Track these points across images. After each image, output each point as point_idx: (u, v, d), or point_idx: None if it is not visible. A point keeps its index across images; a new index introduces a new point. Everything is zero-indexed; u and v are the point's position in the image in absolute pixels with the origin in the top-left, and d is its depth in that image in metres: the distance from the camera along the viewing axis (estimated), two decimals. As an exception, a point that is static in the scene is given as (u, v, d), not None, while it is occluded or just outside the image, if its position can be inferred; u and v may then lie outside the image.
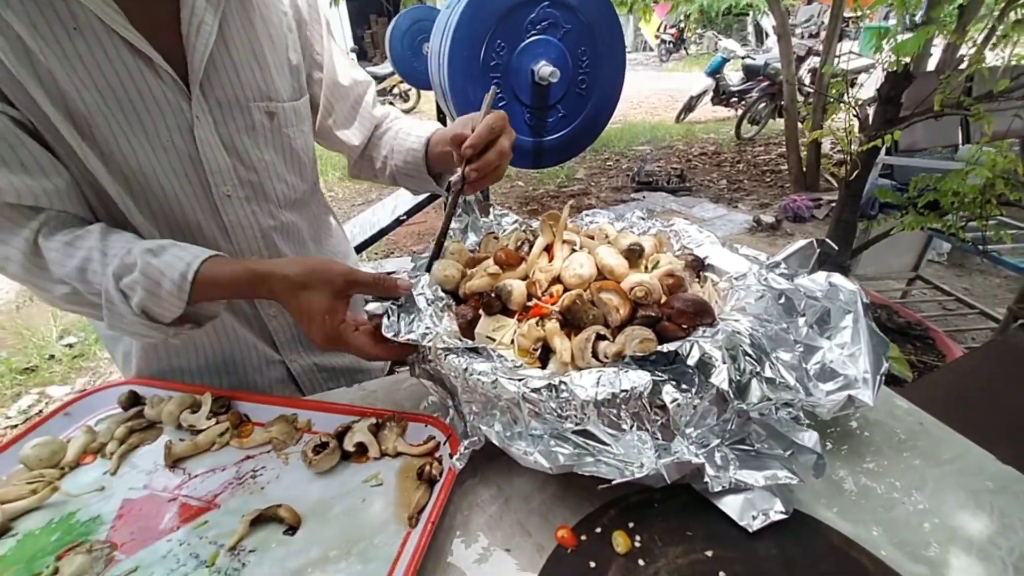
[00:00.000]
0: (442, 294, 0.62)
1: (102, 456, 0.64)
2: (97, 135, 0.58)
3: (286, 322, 0.79)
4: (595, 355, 0.49)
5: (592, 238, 0.71)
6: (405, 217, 2.03)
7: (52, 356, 2.73)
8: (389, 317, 0.57)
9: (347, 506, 0.55)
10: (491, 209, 0.83)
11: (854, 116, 1.67)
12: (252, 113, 0.67)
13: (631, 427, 0.45)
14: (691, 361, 0.45)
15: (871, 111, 1.77)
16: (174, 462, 0.62)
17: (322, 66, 0.78)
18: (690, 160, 5.83)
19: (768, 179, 5.14)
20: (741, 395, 0.45)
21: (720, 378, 0.44)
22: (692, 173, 5.36)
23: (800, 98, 5.15)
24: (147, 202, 0.64)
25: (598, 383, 0.45)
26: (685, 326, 0.52)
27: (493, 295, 0.57)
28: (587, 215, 0.84)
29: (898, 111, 1.60)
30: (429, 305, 0.59)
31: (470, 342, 0.54)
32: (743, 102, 6.68)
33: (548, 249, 0.63)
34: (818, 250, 0.68)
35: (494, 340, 0.55)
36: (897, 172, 2.75)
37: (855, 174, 1.61)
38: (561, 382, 0.46)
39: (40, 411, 2.41)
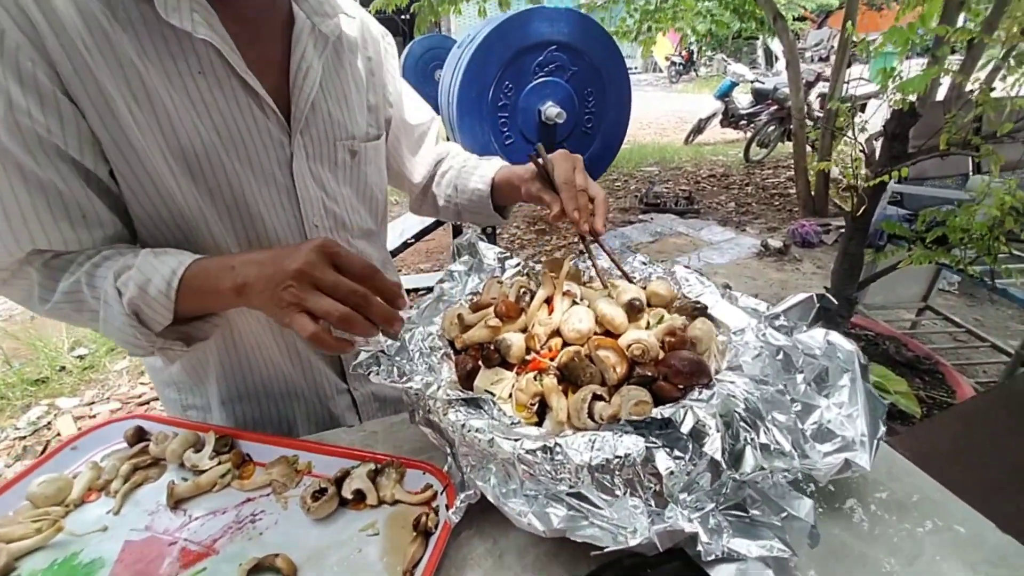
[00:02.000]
0: (439, 343, 0.64)
1: (106, 494, 0.65)
2: (206, 171, 0.61)
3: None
4: (591, 416, 0.50)
5: (592, 286, 0.72)
6: (413, 240, 2.06)
7: (63, 368, 2.78)
8: (380, 364, 0.58)
9: (343, 556, 0.55)
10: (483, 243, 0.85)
11: (860, 151, 1.67)
12: (337, 151, 0.73)
13: (624, 493, 0.45)
14: (685, 429, 0.46)
15: (878, 145, 1.77)
16: (176, 503, 0.63)
17: (393, 104, 0.84)
18: (699, 182, 5.86)
19: (777, 203, 5.14)
20: (735, 464, 0.46)
21: (713, 447, 0.45)
22: (700, 195, 5.37)
23: (809, 123, 5.17)
24: (246, 234, 0.67)
25: (593, 447, 0.46)
26: (681, 386, 0.53)
27: (492, 348, 0.58)
28: (588, 258, 0.85)
29: (905, 147, 1.60)
30: (426, 357, 0.60)
31: (470, 393, 0.55)
32: (752, 125, 6.72)
33: (548, 301, 0.64)
34: (818, 304, 0.69)
35: (493, 395, 0.56)
36: (907, 200, 2.75)
37: (862, 209, 1.61)
38: (556, 444, 0.47)
39: (49, 423, 2.44)
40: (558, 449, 0.47)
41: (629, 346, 0.55)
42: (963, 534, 0.53)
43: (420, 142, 0.91)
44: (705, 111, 7.07)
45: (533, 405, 0.55)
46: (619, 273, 0.73)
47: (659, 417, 0.46)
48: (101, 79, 0.53)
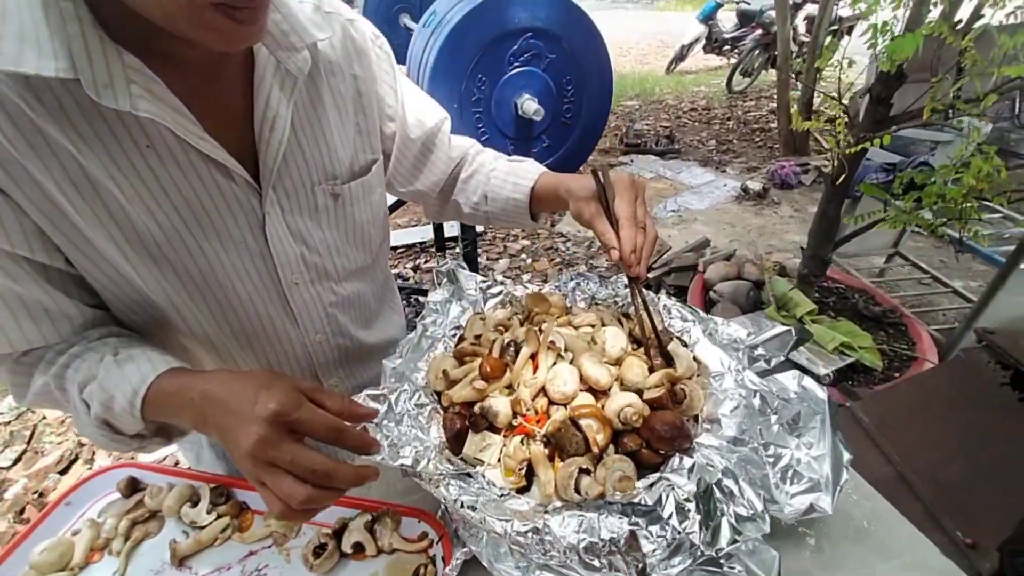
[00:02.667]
0: (425, 400, 0.64)
1: (109, 553, 0.67)
2: (168, 255, 0.56)
3: (327, 358, 0.78)
4: (577, 490, 0.52)
5: (575, 324, 0.72)
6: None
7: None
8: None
9: (348, 610, 0.59)
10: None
11: (843, 113, 1.64)
12: (317, 196, 0.66)
13: (610, 570, 0.49)
14: (666, 513, 0.48)
15: (862, 104, 1.73)
16: (180, 560, 0.65)
17: (394, 118, 0.75)
18: (679, 117, 5.70)
19: (758, 138, 5.07)
20: (712, 540, 0.49)
21: (693, 528, 0.48)
22: (681, 132, 5.25)
23: (794, 48, 4.98)
24: (219, 306, 0.62)
25: (580, 529, 0.49)
26: (663, 451, 0.55)
27: (479, 413, 0.58)
28: (572, 279, 0.85)
29: (888, 110, 1.57)
30: (413, 419, 0.61)
31: (460, 465, 0.57)
32: (736, 50, 6.45)
33: (533, 357, 0.64)
34: (796, 337, 0.70)
35: (482, 462, 0.57)
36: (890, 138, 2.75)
37: (843, 178, 1.60)
38: (546, 526, 0.49)
39: (32, 409, 2.43)
40: (547, 530, 0.49)
41: (620, 411, 0.56)
42: (910, 560, 0.59)
43: (428, 152, 0.81)
44: (688, 36, 6.73)
45: (521, 469, 0.57)
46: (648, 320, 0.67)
47: (642, 503, 0.49)
48: (33, 172, 0.47)
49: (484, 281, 0.81)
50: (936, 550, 0.61)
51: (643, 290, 0.64)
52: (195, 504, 0.70)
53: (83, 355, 0.55)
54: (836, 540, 0.62)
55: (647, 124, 5.46)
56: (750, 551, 0.53)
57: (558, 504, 0.53)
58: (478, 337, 0.72)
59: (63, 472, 2.09)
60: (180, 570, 0.64)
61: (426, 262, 3.28)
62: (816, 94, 3.79)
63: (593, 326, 0.73)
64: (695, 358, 0.68)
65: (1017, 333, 1.13)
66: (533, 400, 0.60)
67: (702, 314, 0.74)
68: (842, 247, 2.60)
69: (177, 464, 2.18)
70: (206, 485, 0.71)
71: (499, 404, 0.58)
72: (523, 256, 3.28)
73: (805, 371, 1.73)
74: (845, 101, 1.68)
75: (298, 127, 0.62)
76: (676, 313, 0.74)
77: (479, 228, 3.38)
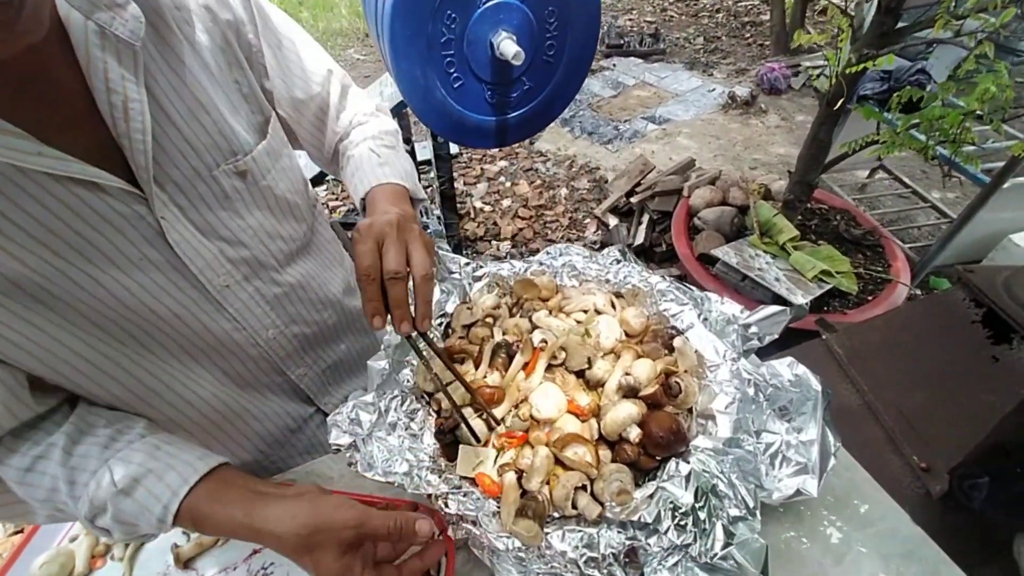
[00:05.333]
0: (415, 405, 0.62)
1: (111, 558, 0.67)
2: (59, 294, 0.46)
3: (286, 351, 0.70)
4: (575, 506, 0.52)
5: (565, 309, 0.69)
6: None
7: None
8: (360, 450, 0.57)
9: (357, 603, 0.62)
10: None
11: (848, 26, 1.50)
12: (220, 181, 0.55)
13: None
14: (663, 527, 0.49)
15: (868, 11, 1.59)
16: (184, 563, 0.66)
17: (271, 74, 0.63)
18: (665, 10, 5.24)
19: (748, 34, 4.73)
20: (709, 547, 0.51)
21: (689, 540, 0.49)
22: (667, 28, 4.86)
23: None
24: (145, 333, 0.53)
25: (580, 544, 0.50)
26: (659, 457, 0.55)
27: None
28: (562, 251, 0.80)
29: (896, 22, 1.44)
30: (404, 429, 0.60)
31: (455, 484, 0.56)
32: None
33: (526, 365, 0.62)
34: (790, 316, 0.69)
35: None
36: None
37: (840, 102, 1.51)
38: (547, 544, 0.50)
39: None
40: (547, 545, 0.50)
41: (621, 428, 0.55)
42: (883, 528, 0.64)
43: (323, 114, 0.71)
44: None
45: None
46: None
47: (640, 520, 0.49)
48: None
49: (468, 263, 0.76)
50: (907, 518, 0.65)
51: (432, 344, 0.56)
52: (191, 507, 0.69)
53: (75, 480, 0.49)
54: (816, 510, 0.66)
55: (630, 19, 5.02)
56: (740, 542, 0.55)
57: (556, 515, 0.54)
58: (467, 328, 0.69)
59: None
60: (186, 572, 0.66)
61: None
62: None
63: (586, 311, 0.70)
64: (687, 339, 0.66)
65: (994, 271, 1.14)
66: (517, 407, 0.59)
67: (696, 293, 0.72)
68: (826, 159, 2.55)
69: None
70: (199, 487, 0.70)
71: (475, 426, 0.57)
72: (502, 179, 3.15)
73: (785, 303, 1.76)
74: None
75: (164, 104, 0.50)
76: (671, 296, 0.71)
77: (454, 149, 3.19)
